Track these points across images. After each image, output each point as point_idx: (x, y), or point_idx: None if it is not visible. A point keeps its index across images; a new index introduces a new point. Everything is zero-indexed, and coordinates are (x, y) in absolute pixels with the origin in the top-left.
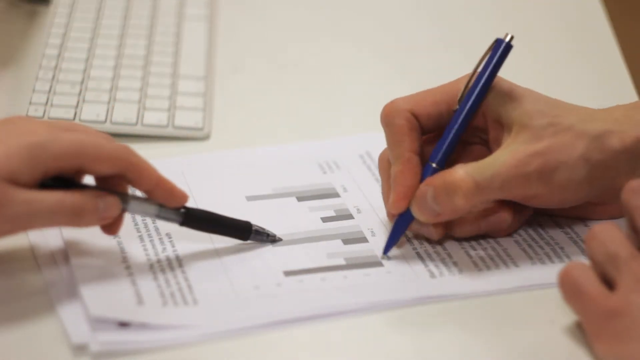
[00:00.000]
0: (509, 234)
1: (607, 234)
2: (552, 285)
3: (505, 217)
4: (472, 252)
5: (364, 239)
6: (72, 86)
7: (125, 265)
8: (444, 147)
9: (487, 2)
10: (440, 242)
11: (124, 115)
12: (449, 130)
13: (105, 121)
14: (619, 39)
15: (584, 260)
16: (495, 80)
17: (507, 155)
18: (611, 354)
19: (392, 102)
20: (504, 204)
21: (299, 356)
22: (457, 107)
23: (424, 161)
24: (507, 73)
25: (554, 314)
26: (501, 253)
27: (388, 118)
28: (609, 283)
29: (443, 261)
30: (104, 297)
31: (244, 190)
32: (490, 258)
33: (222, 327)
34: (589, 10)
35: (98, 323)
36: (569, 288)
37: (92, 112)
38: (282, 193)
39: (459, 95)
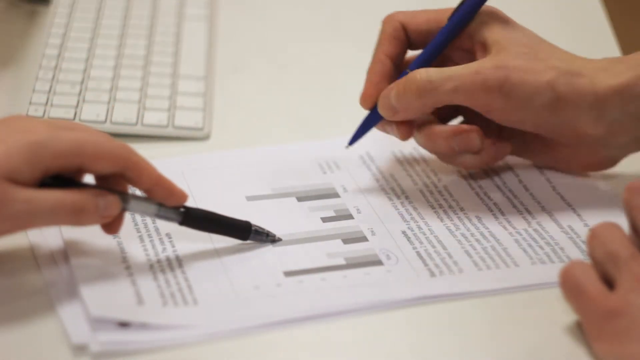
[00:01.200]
0: (480, 165)
1: (608, 233)
2: (552, 285)
3: (474, 137)
4: (472, 252)
5: (363, 238)
6: (72, 86)
7: (125, 265)
8: (423, 55)
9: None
10: (440, 241)
11: (124, 115)
12: (431, 42)
13: (105, 121)
14: (619, 39)
15: (584, 260)
16: (491, 7)
17: (472, 65)
18: (610, 353)
19: (391, 13)
20: (473, 126)
21: (299, 356)
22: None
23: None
24: None
25: (554, 314)
26: (501, 253)
27: (382, 25)
28: (609, 282)
29: (443, 260)
30: (104, 297)
31: (244, 190)
32: (490, 257)
33: (222, 327)
34: (589, 10)
35: (98, 323)
36: (570, 287)
37: (92, 112)
38: (282, 193)
39: (448, 17)
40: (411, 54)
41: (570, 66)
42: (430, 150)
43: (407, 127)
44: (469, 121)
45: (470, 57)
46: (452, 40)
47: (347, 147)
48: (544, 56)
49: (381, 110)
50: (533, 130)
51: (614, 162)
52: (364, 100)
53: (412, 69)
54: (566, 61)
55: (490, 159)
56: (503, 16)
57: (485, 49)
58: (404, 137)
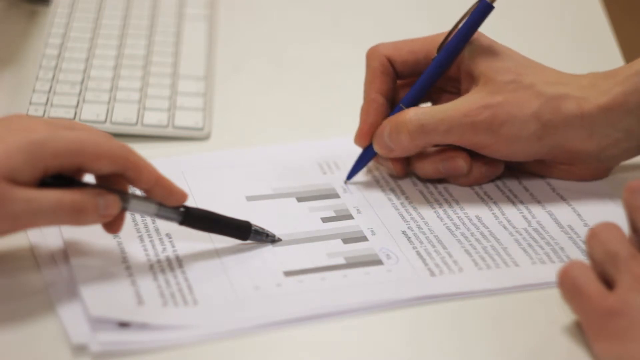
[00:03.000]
0: (471, 184)
1: (608, 233)
2: (552, 285)
3: (460, 164)
4: (472, 251)
5: (363, 238)
6: (72, 86)
7: (125, 266)
8: (414, 90)
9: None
10: (440, 241)
11: (124, 115)
12: (422, 76)
13: (105, 121)
14: (619, 39)
15: (584, 260)
16: (476, 35)
17: (461, 104)
18: (610, 353)
19: (374, 46)
20: (461, 151)
21: (299, 356)
22: (435, 55)
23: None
24: None
25: (554, 314)
26: (501, 252)
27: (367, 59)
28: (608, 282)
29: (443, 260)
30: (104, 297)
31: (244, 190)
32: (490, 257)
33: (222, 327)
34: (589, 10)
35: (98, 323)
36: (568, 287)
37: (92, 112)
38: (282, 193)
39: (439, 45)
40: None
41: (555, 90)
42: (419, 174)
43: (402, 164)
44: None
45: (457, 85)
46: (442, 74)
47: (345, 182)
48: (530, 82)
49: (377, 149)
50: (526, 160)
51: (608, 171)
52: (359, 140)
53: (405, 104)
54: (552, 84)
55: (481, 178)
56: (487, 42)
57: (472, 79)
58: (400, 174)
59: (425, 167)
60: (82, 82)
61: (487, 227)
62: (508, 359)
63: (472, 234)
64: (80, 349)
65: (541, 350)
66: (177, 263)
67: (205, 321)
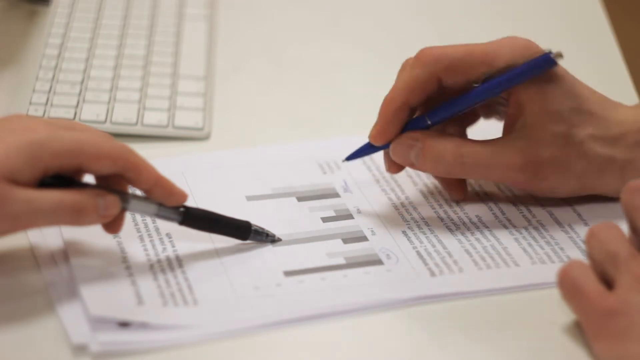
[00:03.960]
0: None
1: (607, 233)
2: (552, 285)
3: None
4: (473, 251)
5: (364, 238)
6: (72, 86)
7: (125, 266)
8: (445, 113)
9: (487, 2)
10: (440, 241)
11: (124, 115)
12: (458, 100)
13: (105, 121)
14: (619, 39)
15: (583, 260)
16: None
17: (504, 153)
18: (610, 353)
19: (431, 50)
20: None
21: (299, 356)
22: (478, 84)
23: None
24: None
25: (554, 314)
26: (501, 252)
27: (418, 61)
28: (608, 282)
29: (443, 260)
30: (104, 297)
31: (244, 190)
32: (490, 257)
33: (222, 327)
34: (589, 10)
35: (98, 323)
36: (568, 287)
37: (92, 112)
38: (282, 193)
39: (484, 74)
40: None
41: (602, 151)
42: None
43: (399, 167)
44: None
45: (504, 104)
46: (479, 104)
47: (344, 160)
48: (580, 138)
49: (398, 159)
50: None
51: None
52: (377, 138)
53: (432, 120)
54: (601, 141)
55: None
56: (547, 74)
57: (520, 108)
58: (395, 171)
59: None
60: (82, 82)
61: (487, 227)
62: (508, 359)
63: (472, 234)
64: (80, 349)
65: (541, 350)
66: (177, 263)
67: (205, 321)
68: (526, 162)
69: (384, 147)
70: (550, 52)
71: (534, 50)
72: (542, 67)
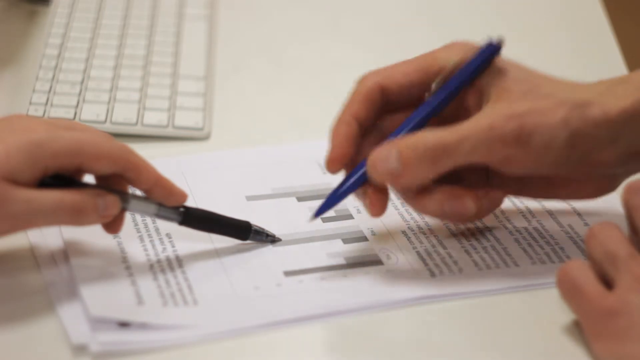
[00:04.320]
0: (479, 217)
1: (607, 233)
2: (552, 285)
3: (468, 204)
4: (473, 252)
5: (363, 238)
6: (72, 86)
7: (125, 266)
8: (406, 129)
9: (487, 2)
10: (440, 241)
11: (124, 115)
12: (415, 114)
13: (105, 121)
14: (619, 39)
15: (583, 260)
16: None
17: (481, 118)
18: (609, 353)
19: (364, 74)
20: (468, 190)
21: (299, 356)
22: (430, 93)
23: (387, 133)
24: None
25: (554, 314)
26: (501, 252)
27: (356, 84)
28: (607, 282)
29: (443, 260)
30: (104, 297)
31: (243, 190)
32: (490, 257)
33: (222, 327)
34: (589, 10)
35: (98, 323)
36: (567, 287)
37: (92, 112)
38: (282, 193)
39: (435, 83)
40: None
41: (577, 96)
42: (418, 210)
43: (382, 203)
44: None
45: (462, 105)
46: (438, 113)
47: (311, 220)
48: (547, 91)
49: (377, 176)
50: (549, 173)
51: (613, 188)
52: (332, 163)
53: (400, 133)
54: (570, 92)
55: (484, 212)
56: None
57: (481, 94)
58: (378, 214)
59: (428, 205)
60: (82, 82)
61: (487, 227)
62: (508, 359)
63: (472, 234)
64: (80, 349)
65: (541, 350)
66: (177, 263)
67: (205, 321)
68: (506, 116)
69: (352, 188)
70: (491, 42)
71: (473, 46)
72: (490, 55)
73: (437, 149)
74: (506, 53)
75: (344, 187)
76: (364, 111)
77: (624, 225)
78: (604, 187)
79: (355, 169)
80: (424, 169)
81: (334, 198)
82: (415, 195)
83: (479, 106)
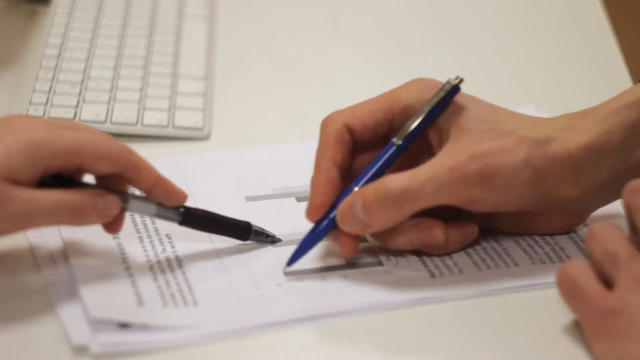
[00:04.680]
0: (446, 253)
1: (607, 233)
2: (552, 285)
3: (437, 234)
4: (472, 252)
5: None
6: (72, 86)
7: (125, 266)
8: (369, 174)
9: (487, 2)
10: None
11: (124, 115)
12: (378, 158)
13: (105, 121)
14: (619, 39)
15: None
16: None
17: (443, 159)
18: (609, 353)
19: (330, 114)
20: (435, 220)
21: (299, 356)
22: (397, 140)
23: (356, 174)
24: (508, 74)
25: (553, 314)
26: (501, 253)
27: (321, 128)
28: (607, 282)
29: (443, 261)
30: (104, 298)
31: (243, 190)
32: (490, 258)
33: (222, 327)
34: (589, 10)
35: (98, 324)
36: (567, 287)
37: (92, 112)
38: (282, 193)
39: (402, 130)
40: None
41: (537, 134)
42: (390, 247)
43: (355, 245)
44: None
45: (424, 141)
46: (399, 156)
47: (285, 269)
48: (508, 129)
49: (346, 227)
50: (514, 210)
51: (582, 221)
52: (312, 213)
53: (357, 185)
54: (531, 128)
55: (457, 245)
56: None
57: (440, 133)
58: (350, 255)
59: (397, 240)
60: (82, 82)
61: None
62: (508, 359)
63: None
64: (80, 349)
65: (541, 350)
66: (177, 263)
67: (206, 321)
68: (468, 157)
69: (323, 235)
70: (453, 85)
71: (434, 84)
72: (451, 95)
73: (400, 195)
74: (506, 53)
75: (315, 233)
76: (339, 155)
77: (624, 225)
78: (572, 221)
79: (326, 214)
80: (390, 215)
81: (305, 245)
82: (383, 233)
83: (439, 145)
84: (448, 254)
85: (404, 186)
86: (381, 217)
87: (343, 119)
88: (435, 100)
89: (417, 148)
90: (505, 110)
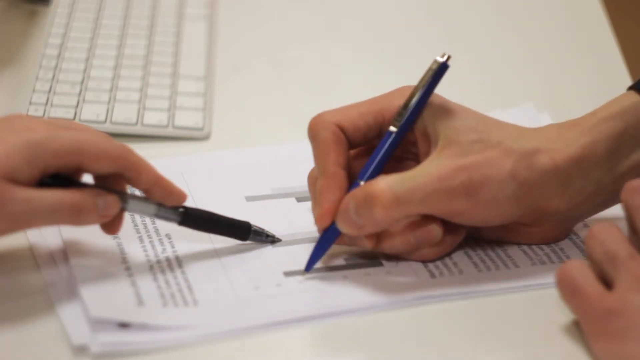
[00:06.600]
0: (439, 255)
1: (607, 233)
2: (552, 285)
3: (434, 230)
4: (472, 253)
5: None
6: (72, 86)
7: (125, 266)
8: (373, 165)
9: (487, 2)
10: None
11: (124, 115)
12: (379, 148)
13: (105, 121)
14: (619, 39)
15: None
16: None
17: (432, 169)
18: (609, 353)
19: (318, 115)
20: (431, 217)
21: (299, 356)
22: (395, 123)
23: (352, 175)
24: (508, 73)
25: (553, 314)
26: (501, 253)
27: (313, 131)
28: (607, 282)
29: (443, 261)
30: (103, 298)
31: (243, 190)
32: (490, 259)
33: (222, 327)
34: (589, 10)
35: (98, 324)
36: (567, 287)
37: (92, 112)
38: (282, 193)
39: (398, 116)
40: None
41: (525, 145)
42: (387, 251)
43: (375, 237)
44: None
45: (414, 149)
46: (399, 144)
47: (303, 274)
48: (496, 140)
49: (343, 228)
50: (499, 224)
51: (568, 232)
52: (321, 221)
53: (363, 180)
54: (518, 140)
55: (448, 247)
56: (439, 101)
57: (429, 141)
58: (375, 247)
59: (394, 243)
60: (82, 82)
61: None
62: (508, 359)
63: (472, 235)
64: (80, 349)
65: (541, 350)
66: (177, 263)
67: (205, 321)
68: (454, 169)
69: (334, 236)
70: (441, 62)
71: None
72: (441, 75)
73: (391, 201)
74: (507, 52)
75: (329, 233)
76: (342, 156)
77: (624, 225)
78: (558, 232)
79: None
80: (383, 219)
81: (320, 250)
82: (380, 236)
83: (427, 152)
84: (442, 255)
85: (392, 193)
86: (371, 220)
87: (334, 120)
88: (426, 79)
89: (402, 153)
90: (495, 120)
